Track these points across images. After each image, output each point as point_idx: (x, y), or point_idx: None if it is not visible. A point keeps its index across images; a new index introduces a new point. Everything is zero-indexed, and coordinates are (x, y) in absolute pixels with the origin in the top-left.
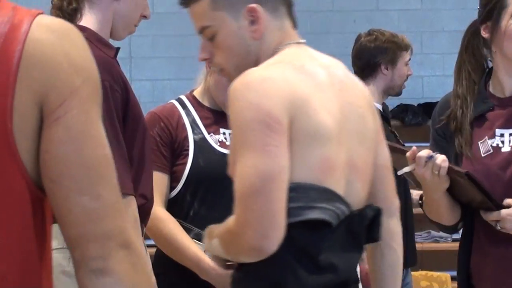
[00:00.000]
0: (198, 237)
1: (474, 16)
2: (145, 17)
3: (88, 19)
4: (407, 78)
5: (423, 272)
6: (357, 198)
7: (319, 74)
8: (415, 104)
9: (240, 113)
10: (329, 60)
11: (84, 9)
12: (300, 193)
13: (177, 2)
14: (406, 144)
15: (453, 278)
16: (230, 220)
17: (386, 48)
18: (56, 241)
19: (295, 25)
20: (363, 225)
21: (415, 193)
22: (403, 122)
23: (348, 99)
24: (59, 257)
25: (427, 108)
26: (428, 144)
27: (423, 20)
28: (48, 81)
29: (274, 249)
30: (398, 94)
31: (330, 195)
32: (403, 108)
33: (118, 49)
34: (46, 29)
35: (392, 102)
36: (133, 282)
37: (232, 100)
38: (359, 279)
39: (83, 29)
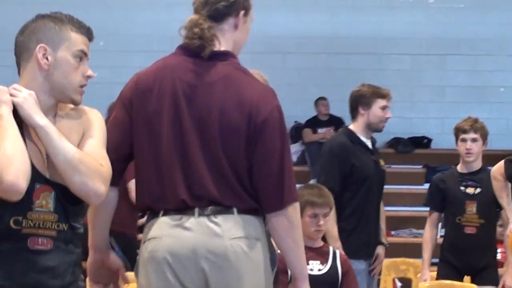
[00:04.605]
0: None
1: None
2: None
3: (228, 45)
4: (386, 120)
5: (404, 259)
6: None
7: None
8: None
9: None
10: None
11: (219, 37)
12: None
13: None
14: (398, 166)
15: None
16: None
17: (364, 94)
18: None
19: None
20: None
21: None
22: (396, 150)
23: None
24: None
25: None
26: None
27: None
28: None
29: None
30: (378, 131)
31: None
32: (396, 141)
33: None
34: None
35: (388, 136)
36: None
37: None
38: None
39: (229, 54)
